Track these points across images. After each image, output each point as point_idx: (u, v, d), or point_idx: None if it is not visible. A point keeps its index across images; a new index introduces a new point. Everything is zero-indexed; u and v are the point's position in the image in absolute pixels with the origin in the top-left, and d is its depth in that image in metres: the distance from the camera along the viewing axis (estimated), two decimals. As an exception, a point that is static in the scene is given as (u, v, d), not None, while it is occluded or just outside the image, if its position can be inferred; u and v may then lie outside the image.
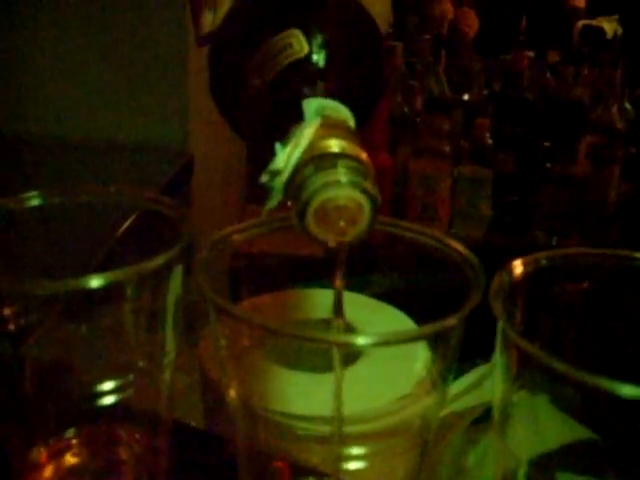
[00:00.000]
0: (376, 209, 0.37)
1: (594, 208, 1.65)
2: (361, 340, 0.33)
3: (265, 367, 0.50)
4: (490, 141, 1.61)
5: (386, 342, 0.35)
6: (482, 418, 0.64)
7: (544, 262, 0.39)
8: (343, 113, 0.40)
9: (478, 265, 0.39)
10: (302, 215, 0.37)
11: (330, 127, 0.38)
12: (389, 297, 0.62)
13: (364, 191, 0.36)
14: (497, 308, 0.35)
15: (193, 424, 0.64)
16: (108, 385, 0.42)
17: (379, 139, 1.43)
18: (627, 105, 1.77)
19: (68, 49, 1.12)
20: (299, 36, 0.41)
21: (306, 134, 0.38)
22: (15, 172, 1.01)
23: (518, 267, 0.38)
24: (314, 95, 0.40)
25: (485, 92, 1.84)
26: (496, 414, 0.39)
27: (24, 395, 0.42)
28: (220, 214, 1.41)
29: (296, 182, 0.37)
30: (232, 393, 0.40)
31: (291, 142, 0.38)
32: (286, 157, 0.38)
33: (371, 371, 0.50)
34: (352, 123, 0.40)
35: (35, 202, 0.44)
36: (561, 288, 0.41)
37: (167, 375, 0.44)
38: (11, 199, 0.44)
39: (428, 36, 1.77)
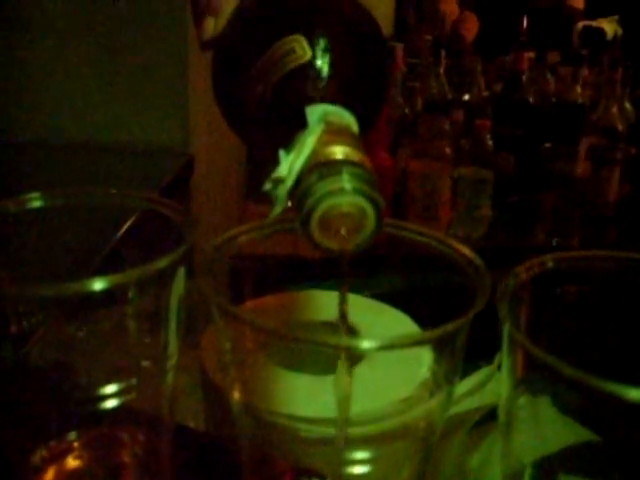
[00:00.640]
0: (380, 216, 0.37)
1: (594, 209, 1.65)
2: (366, 344, 0.33)
3: (269, 369, 0.50)
4: (490, 142, 1.61)
5: (391, 346, 0.34)
6: (485, 420, 0.64)
7: (550, 264, 0.39)
8: (346, 119, 0.40)
9: (483, 268, 0.39)
10: (306, 223, 0.36)
11: (333, 133, 0.38)
12: (392, 299, 0.62)
13: (368, 198, 0.36)
14: (503, 311, 0.34)
15: (193, 425, 0.63)
16: (110, 388, 0.42)
17: (379, 139, 1.43)
18: (627, 106, 1.77)
19: (68, 51, 1.12)
20: (302, 41, 0.41)
21: (309, 141, 0.38)
22: (16, 174, 1.01)
23: (524, 270, 0.38)
24: (317, 101, 0.40)
25: (485, 93, 1.84)
26: (501, 416, 0.39)
27: (26, 398, 0.42)
28: (220, 214, 1.41)
29: (300, 190, 0.37)
30: (235, 395, 0.40)
31: (294, 150, 0.38)
32: (289, 165, 0.38)
33: (375, 373, 0.50)
34: (356, 128, 0.40)
35: (36, 204, 0.44)
36: (567, 290, 0.41)
37: (169, 378, 0.44)
38: (12, 201, 0.43)
39: (429, 37, 1.77)
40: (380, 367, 0.51)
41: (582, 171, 1.62)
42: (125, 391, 0.42)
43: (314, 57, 0.41)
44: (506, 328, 0.35)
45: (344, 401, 0.39)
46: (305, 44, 0.41)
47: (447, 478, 0.60)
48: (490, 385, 0.63)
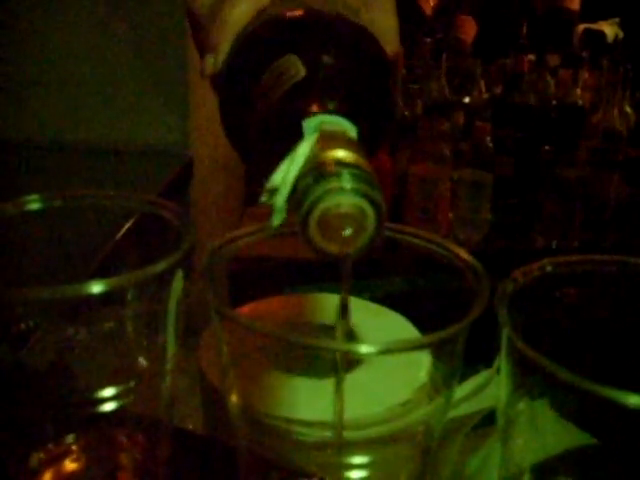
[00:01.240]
0: (382, 218, 0.36)
1: (594, 212, 1.65)
2: (365, 349, 0.33)
3: (267, 372, 0.50)
4: (490, 145, 1.61)
5: (389, 350, 0.34)
6: (483, 424, 0.64)
7: (549, 269, 0.39)
8: (343, 124, 0.40)
9: (482, 273, 0.39)
10: (305, 224, 0.36)
11: (329, 139, 0.38)
12: (393, 302, 0.62)
13: (368, 199, 0.36)
14: (502, 315, 0.34)
15: (191, 427, 0.63)
16: (108, 391, 0.42)
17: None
18: (628, 108, 1.77)
19: (67, 53, 1.12)
20: (295, 60, 0.41)
21: (302, 148, 0.38)
22: (13, 175, 1.01)
23: (523, 274, 0.38)
24: (314, 114, 0.40)
25: (485, 96, 1.83)
26: (500, 420, 0.39)
27: (23, 400, 0.42)
28: (220, 216, 1.40)
29: (297, 193, 0.37)
30: (233, 398, 0.40)
31: (287, 158, 0.38)
32: (283, 173, 0.38)
33: (373, 377, 0.50)
34: (353, 134, 0.40)
35: (34, 206, 0.44)
36: (566, 294, 0.41)
37: (168, 380, 0.44)
38: (10, 203, 0.43)
39: (429, 39, 1.77)
40: (379, 371, 0.51)
41: (582, 174, 1.62)
42: (123, 394, 0.42)
43: (309, 74, 0.41)
44: (505, 333, 0.35)
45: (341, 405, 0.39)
46: (298, 63, 0.41)
47: (445, 482, 0.60)
48: (489, 389, 0.63)
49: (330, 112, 0.40)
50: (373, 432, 0.45)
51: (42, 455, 0.44)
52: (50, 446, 0.45)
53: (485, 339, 0.39)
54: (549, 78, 1.88)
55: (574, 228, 1.61)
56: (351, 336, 0.57)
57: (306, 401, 0.47)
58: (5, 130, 1.14)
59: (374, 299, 0.62)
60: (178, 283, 0.41)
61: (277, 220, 0.39)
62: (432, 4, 2.36)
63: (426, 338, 0.37)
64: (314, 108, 0.40)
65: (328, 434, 0.41)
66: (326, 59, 0.42)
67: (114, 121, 1.14)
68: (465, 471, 0.62)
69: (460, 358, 0.39)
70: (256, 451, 0.42)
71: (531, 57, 1.91)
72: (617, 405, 0.30)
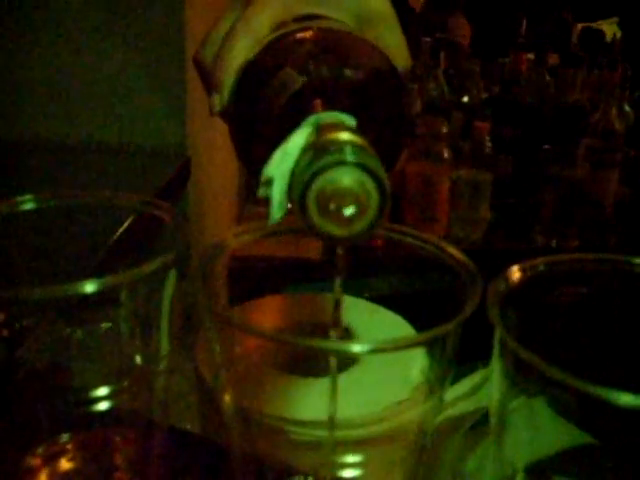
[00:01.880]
0: (385, 197, 0.34)
1: (593, 211, 1.65)
2: (357, 348, 0.33)
3: (261, 371, 0.50)
4: (489, 144, 1.61)
5: (381, 349, 0.34)
6: (481, 423, 0.64)
7: (541, 268, 0.39)
8: (340, 117, 0.39)
9: (475, 271, 0.39)
10: (303, 201, 0.34)
11: (327, 127, 0.37)
12: (390, 300, 0.62)
13: (372, 174, 0.34)
14: (494, 315, 0.34)
15: (188, 427, 0.63)
16: (103, 390, 0.42)
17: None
18: (626, 108, 1.77)
19: (64, 52, 1.12)
20: (291, 72, 0.41)
21: (296, 136, 0.37)
22: (10, 174, 1.01)
23: (515, 273, 0.38)
24: (311, 113, 0.40)
25: (484, 95, 1.83)
26: (493, 420, 0.39)
27: (19, 400, 0.42)
28: (219, 215, 1.40)
29: (296, 173, 0.35)
30: (227, 398, 0.40)
31: (279, 148, 0.37)
32: (276, 163, 0.37)
33: (368, 376, 0.50)
34: (352, 123, 0.39)
35: (28, 206, 0.44)
36: (559, 294, 0.41)
37: (162, 380, 0.44)
38: (4, 203, 0.43)
39: (427, 39, 1.77)
40: (375, 370, 0.51)
41: (581, 173, 1.62)
42: (118, 393, 0.42)
43: (305, 83, 0.41)
44: (497, 332, 0.35)
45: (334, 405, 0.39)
46: (294, 73, 0.41)
47: (442, 481, 0.60)
48: (486, 387, 0.63)
49: (328, 109, 0.40)
50: (367, 431, 0.45)
51: (38, 454, 0.44)
52: (45, 445, 0.45)
53: (483, 337, 0.39)
54: (548, 77, 1.87)
55: (573, 227, 1.61)
56: (347, 335, 0.57)
57: (300, 400, 0.47)
58: (3, 130, 1.14)
59: (372, 298, 0.62)
60: (171, 283, 0.41)
61: (277, 213, 0.38)
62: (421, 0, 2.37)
63: (419, 336, 0.37)
64: (312, 109, 0.40)
65: (322, 433, 0.41)
66: (322, 64, 0.42)
67: (112, 121, 1.14)
68: (463, 470, 0.62)
69: (453, 357, 0.39)
70: (250, 451, 0.42)
71: (530, 56, 1.91)
72: (610, 404, 0.30)
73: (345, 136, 0.35)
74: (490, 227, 1.62)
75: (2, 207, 0.43)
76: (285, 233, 0.45)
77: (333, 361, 0.39)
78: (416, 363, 0.42)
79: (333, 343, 0.38)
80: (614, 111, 1.67)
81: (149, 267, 0.37)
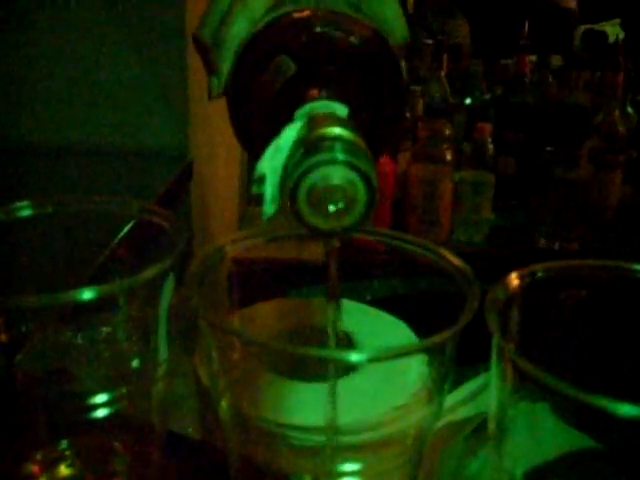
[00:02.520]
0: (373, 193, 0.36)
1: (596, 212, 1.65)
2: (355, 357, 0.33)
3: (259, 377, 0.50)
4: (492, 145, 1.61)
5: (379, 358, 0.34)
6: (483, 427, 0.64)
7: (540, 274, 0.39)
8: (333, 106, 0.39)
9: (472, 279, 0.39)
10: (293, 197, 0.35)
11: (318, 120, 0.38)
12: (391, 304, 0.61)
13: (360, 172, 0.35)
14: (492, 323, 0.34)
15: (190, 430, 0.63)
16: (102, 397, 0.42)
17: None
18: (629, 109, 1.77)
19: (64, 55, 1.12)
20: (286, 59, 0.41)
21: (288, 132, 0.37)
22: (16, 180, 1.01)
23: (513, 280, 0.38)
24: (304, 103, 0.40)
25: (487, 97, 1.83)
26: (491, 426, 0.39)
27: (17, 406, 0.42)
28: (221, 218, 1.40)
29: (288, 169, 0.36)
30: (224, 405, 0.40)
31: (271, 145, 0.37)
32: (268, 160, 0.37)
33: (368, 381, 0.50)
34: (344, 112, 0.39)
35: (26, 212, 0.44)
36: (558, 299, 0.41)
37: (161, 385, 0.44)
38: (1, 209, 0.43)
39: (430, 41, 1.76)
40: (375, 375, 0.51)
41: (584, 175, 1.62)
42: (117, 399, 0.42)
43: (299, 70, 0.41)
44: (495, 340, 0.35)
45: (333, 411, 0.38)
46: (289, 61, 0.41)
47: (443, 485, 0.60)
48: (488, 391, 0.63)
49: (321, 99, 0.40)
50: (366, 437, 0.45)
51: (36, 460, 0.44)
52: (44, 451, 0.45)
53: (485, 339, 0.39)
54: (551, 79, 1.87)
55: (576, 229, 1.61)
56: (348, 340, 0.57)
57: (299, 405, 0.47)
58: (4, 134, 1.14)
59: (373, 302, 0.62)
60: (169, 288, 0.41)
61: (270, 209, 0.38)
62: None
63: (417, 345, 0.37)
64: (305, 98, 0.40)
65: (321, 439, 0.41)
66: (316, 48, 0.42)
67: (113, 124, 1.14)
68: (464, 475, 0.62)
69: (452, 363, 0.39)
70: (248, 457, 0.42)
71: (532, 58, 1.91)
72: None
73: (336, 131, 0.36)
74: (492, 229, 1.61)
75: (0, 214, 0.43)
76: (283, 238, 0.45)
77: (332, 367, 0.39)
78: (415, 369, 0.42)
79: (330, 351, 0.38)
80: (617, 113, 1.67)
81: (146, 274, 0.37)
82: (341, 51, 0.43)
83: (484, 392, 0.64)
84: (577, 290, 0.40)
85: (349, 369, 0.51)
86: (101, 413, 0.42)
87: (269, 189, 0.38)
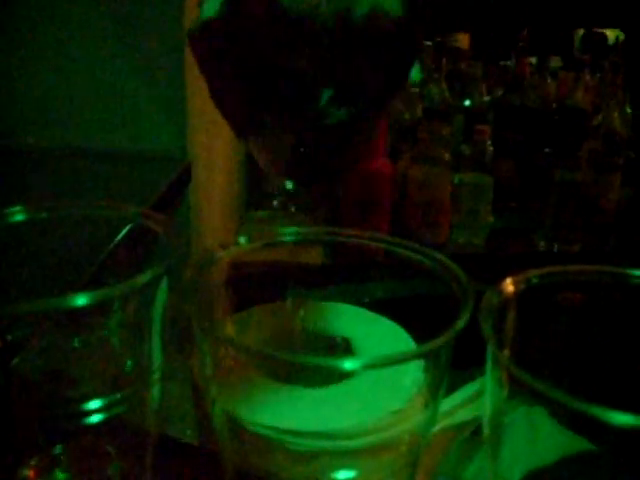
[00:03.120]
0: None
1: (596, 215, 1.65)
2: (349, 364, 0.33)
3: (253, 382, 0.49)
4: (491, 148, 1.61)
5: (374, 365, 0.34)
6: (480, 431, 0.63)
7: (535, 280, 0.39)
8: None
9: (467, 285, 0.39)
10: None
11: None
12: (388, 307, 0.61)
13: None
14: (486, 330, 0.34)
15: (188, 434, 0.63)
16: (96, 402, 0.41)
17: (379, 145, 1.43)
18: (628, 111, 1.77)
19: (62, 58, 1.12)
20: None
21: None
22: (6, 180, 1.01)
23: (508, 285, 0.38)
24: None
25: (486, 99, 1.83)
26: (486, 431, 0.39)
27: (12, 411, 0.42)
28: (220, 221, 1.40)
29: None
30: (218, 411, 0.40)
31: None
32: None
33: (364, 387, 0.49)
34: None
35: (19, 217, 0.44)
36: (553, 305, 0.40)
37: (156, 390, 0.44)
38: None
39: (429, 43, 1.76)
40: (370, 381, 0.51)
41: (583, 177, 1.62)
42: (112, 404, 0.42)
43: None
44: (490, 347, 0.35)
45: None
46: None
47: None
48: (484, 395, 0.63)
49: None
50: (362, 442, 0.44)
51: (31, 465, 0.44)
52: (39, 457, 0.45)
53: (479, 344, 0.39)
54: (550, 81, 1.87)
55: (576, 231, 1.61)
56: (346, 344, 0.57)
57: (295, 410, 0.47)
58: (2, 135, 1.14)
59: (371, 304, 0.62)
60: (163, 292, 0.41)
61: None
62: None
63: (412, 352, 0.37)
64: None
65: (317, 444, 0.41)
66: None
67: (111, 127, 1.14)
68: (461, 478, 0.62)
69: (447, 368, 0.39)
70: (242, 463, 0.42)
71: (532, 60, 1.91)
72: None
73: None
74: (492, 232, 1.61)
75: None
76: (279, 245, 0.44)
77: (327, 374, 0.38)
78: (411, 374, 0.42)
79: (324, 360, 0.37)
80: (616, 115, 1.67)
81: (141, 279, 0.37)
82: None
83: (481, 396, 0.64)
84: (573, 295, 0.40)
85: (344, 375, 0.51)
86: (97, 418, 0.42)
87: None
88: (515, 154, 1.75)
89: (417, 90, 1.72)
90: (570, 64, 1.92)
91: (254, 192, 1.62)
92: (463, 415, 0.65)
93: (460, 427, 0.65)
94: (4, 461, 0.44)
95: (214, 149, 1.30)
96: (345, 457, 0.42)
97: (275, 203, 1.58)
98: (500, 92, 1.86)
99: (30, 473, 0.44)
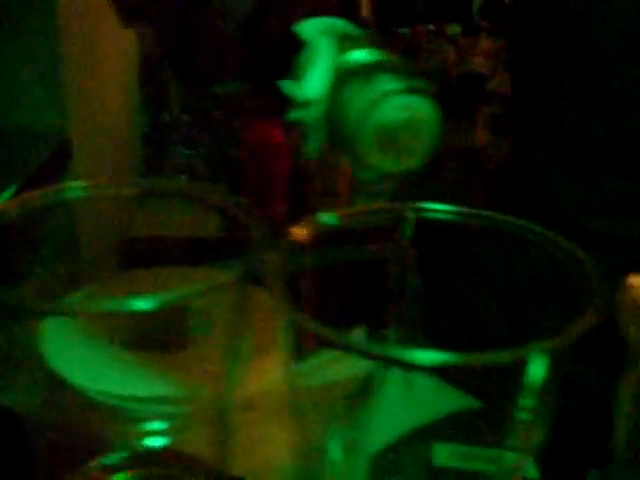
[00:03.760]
0: (438, 107, 0.32)
1: (495, 178, 1.66)
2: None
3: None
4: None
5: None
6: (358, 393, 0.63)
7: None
8: (345, 25, 0.36)
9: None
10: (356, 146, 0.31)
11: (345, 39, 0.34)
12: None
13: (418, 91, 0.31)
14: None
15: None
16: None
17: (270, 115, 1.41)
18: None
19: None
20: None
21: (324, 53, 0.33)
22: None
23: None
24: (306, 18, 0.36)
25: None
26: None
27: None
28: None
29: (336, 109, 0.32)
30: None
31: (309, 68, 0.33)
32: (311, 85, 0.33)
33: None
34: (360, 31, 0.36)
35: None
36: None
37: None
38: None
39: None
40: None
41: (481, 140, 1.63)
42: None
43: None
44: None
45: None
46: None
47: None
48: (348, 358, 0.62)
49: (320, 13, 0.36)
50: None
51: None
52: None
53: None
54: (448, 47, 1.88)
55: (475, 196, 1.62)
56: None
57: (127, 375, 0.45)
58: None
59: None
60: None
61: (316, 141, 0.34)
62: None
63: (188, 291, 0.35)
64: (303, 12, 0.36)
65: (134, 407, 0.39)
66: None
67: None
68: (338, 440, 0.61)
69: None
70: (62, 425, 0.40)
71: (431, 27, 1.91)
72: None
73: (374, 55, 0.32)
74: (393, 198, 1.61)
75: None
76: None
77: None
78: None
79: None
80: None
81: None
82: None
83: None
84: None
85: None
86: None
87: (313, 114, 0.33)
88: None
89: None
90: (469, 30, 1.93)
91: (152, 168, 1.59)
92: (332, 376, 0.64)
93: (330, 389, 0.64)
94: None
95: (100, 127, 1.27)
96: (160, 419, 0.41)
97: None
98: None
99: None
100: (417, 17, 1.81)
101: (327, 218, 0.38)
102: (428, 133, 0.32)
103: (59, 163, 1.07)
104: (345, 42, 0.34)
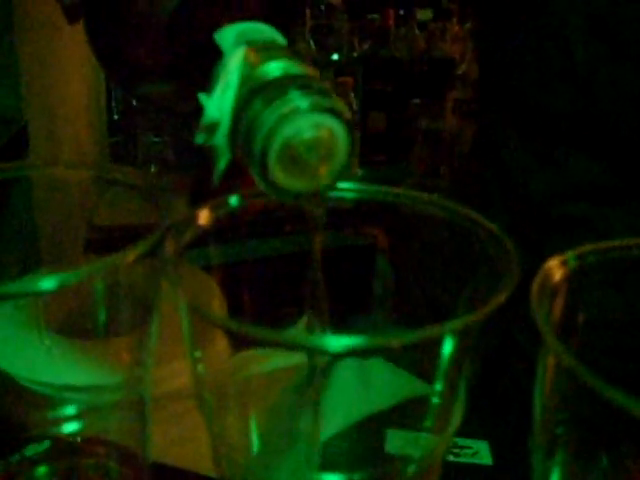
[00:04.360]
0: (351, 131, 0.31)
1: (462, 162, 1.66)
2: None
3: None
4: (356, 100, 1.59)
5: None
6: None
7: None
8: (268, 32, 0.34)
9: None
10: (263, 163, 0.30)
11: (260, 51, 0.32)
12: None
13: (331, 112, 0.30)
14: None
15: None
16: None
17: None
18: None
19: None
20: None
21: (233, 68, 0.32)
22: None
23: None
24: (226, 24, 0.34)
25: (355, 53, 1.81)
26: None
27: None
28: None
29: (243, 126, 0.31)
30: None
31: (217, 84, 0.32)
32: (218, 103, 0.32)
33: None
34: (282, 40, 0.34)
35: None
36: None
37: None
38: None
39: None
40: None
41: (449, 125, 1.62)
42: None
43: None
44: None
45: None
46: None
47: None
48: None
49: (246, 19, 0.35)
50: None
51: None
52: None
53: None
54: (418, 32, 1.87)
55: (443, 180, 1.61)
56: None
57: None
58: None
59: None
60: None
61: (222, 165, 0.33)
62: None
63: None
64: (224, 18, 0.35)
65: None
66: None
67: None
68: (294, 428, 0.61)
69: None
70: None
71: (400, 12, 1.90)
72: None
73: (285, 68, 0.31)
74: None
75: None
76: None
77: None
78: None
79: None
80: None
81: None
82: None
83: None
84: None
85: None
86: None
87: (219, 137, 0.32)
88: (385, 107, 1.74)
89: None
90: (439, 15, 1.92)
91: (120, 155, 1.57)
92: (276, 363, 0.64)
93: (276, 374, 0.63)
94: None
95: (57, 109, 1.25)
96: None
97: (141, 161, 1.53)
98: (368, 45, 1.84)
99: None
100: (387, 2, 1.80)
101: (232, 200, 0.37)
102: (339, 154, 0.31)
103: (18, 146, 1.05)
104: (261, 53, 0.32)
